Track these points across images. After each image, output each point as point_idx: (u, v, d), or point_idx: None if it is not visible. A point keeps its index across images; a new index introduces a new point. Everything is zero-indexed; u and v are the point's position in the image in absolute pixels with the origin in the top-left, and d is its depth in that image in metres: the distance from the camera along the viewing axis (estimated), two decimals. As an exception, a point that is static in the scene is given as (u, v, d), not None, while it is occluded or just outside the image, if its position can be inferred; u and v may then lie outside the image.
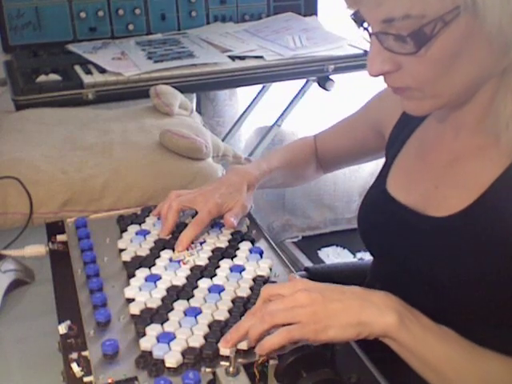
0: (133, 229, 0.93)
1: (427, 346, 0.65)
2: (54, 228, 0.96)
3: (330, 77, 1.63)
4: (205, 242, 0.90)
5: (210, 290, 0.79)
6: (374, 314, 0.65)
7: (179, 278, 0.81)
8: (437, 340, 0.66)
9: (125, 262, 0.86)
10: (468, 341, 0.67)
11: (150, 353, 0.69)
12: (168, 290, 0.79)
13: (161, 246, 0.89)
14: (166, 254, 0.87)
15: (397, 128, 0.91)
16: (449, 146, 0.79)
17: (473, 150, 0.76)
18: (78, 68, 1.48)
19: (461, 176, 0.76)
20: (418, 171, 0.84)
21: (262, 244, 0.92)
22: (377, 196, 0.89)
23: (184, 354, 0.68)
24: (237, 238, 0.91)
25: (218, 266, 0.84)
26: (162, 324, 0.72)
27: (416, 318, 0.66)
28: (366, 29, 0.70)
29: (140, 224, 0.95)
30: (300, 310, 0.65)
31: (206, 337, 0.70)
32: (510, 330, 0.71)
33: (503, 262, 0.70)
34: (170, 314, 0.74)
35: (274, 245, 0.92)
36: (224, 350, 0.68)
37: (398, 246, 0.83)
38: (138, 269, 0.83)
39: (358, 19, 0.70)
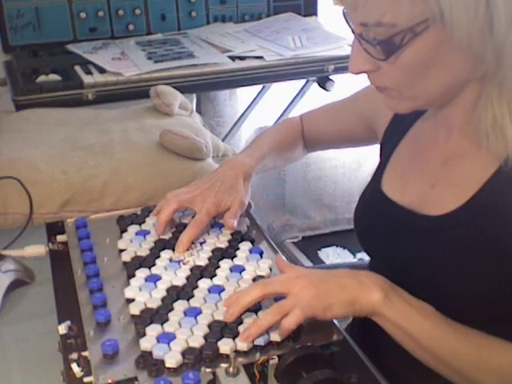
0: (133, 229, 0.93)
1: (409, 320, 0.70)
2: (54, 228, 0.96)
3: (330, 77, 1.63)
4: (205, 242, 0.90)
5: (209, 290, 0.79)
6: (364, 291, 0.70)
7: (179, 278, 0.81)
8: (418, 314, 0.70)
9: (125, 262, 0.86)
10: (446, 317, 0.71)
11: (150, 353, 0.69)
12: (168, 290, 0.79)
13: (161, 246, 0.89)
14: (165, 254, 0.87)
15: (390, 127, 0.92)
16: (443, 146, 0.80)
17: (466, 148, 0.76)
18: (78, 68, 1.48)
19: (456, 175, 0.77)
20: (414, 171, 0.84)
21: (262, 244, 0.92)
22: (372, 197, 0.89)
23: (184, 354, 0.68)
24: (237, 238, 0.91)
25: (218, 267, 0.84)
26: (162, 324, 0.72)
27: (399, 295, 0.72)
28: (351, 27, 0.72)
29: (140, 224, 0.95)
30: (305, 292, 0.69)
31: (205, 337, 0.70)
32: (508, 326, 0.71)
33: (499, 259, 0.71)
34: (170, 314, 0.74)
35: (274, 245, 0.92)
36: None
37: (394, 246, 0.83)
38: (138, 269, 0.83)
39: (346, 16, 0.72)
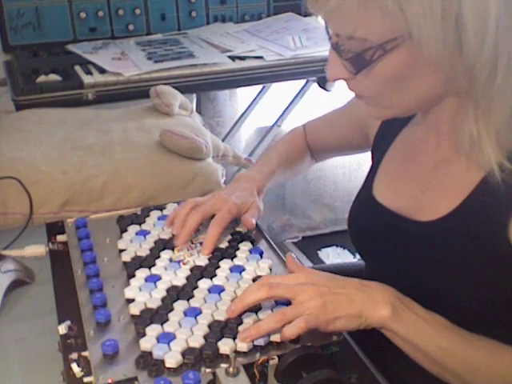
0: (133, 229, 0.93)
1: (419, 335, 0.69)
2: (54, 228, 0.96)
3: (330, 77, 1.63)
4: (205, 242, 0.90)
5: (209, 290, 0.79)
6: (372, 307, 0.69)
7: (179, 278, 0.81)
8: (428, 328, 0.69)
9: (125, 263, 0.86)
10: (458, 328, 0.70)
11: (150, 353, 0.68)
12: (168, 290, 0.79)
13: (161, 246, 0.89)
14: (165, 255, 0.87)
15: (381, 131, 0.92)
16: (433, 150, 0.80)
17: (455, 153, 0.76)
18: (78, 68, 1.49)
19: (446, 179, 0.77)
20: (405, 175, 0.84)
21: (262, 244, 0.92)
22: (364, 201, 0.89)
23: (184, 354, 0.68)
24: (237, 238, 0.91)
25: (218, 267, 0.84)
26: (161, 324, 0.72)
27: (409, 309, 0.70)
28: (328, 34, 0.72)
29: (140, 224, 0.95)
30: (311, 303, 0.69)
31: (205, 337, 0.70)
32: (506, 328, 0.71)
33: (492, 263, 0.71)
34: (170, 315, 0.74)
35: (274, 245, 0.92)
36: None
37: (387, 251, 0.83)
38: (138, 269, 0.83)
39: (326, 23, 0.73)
